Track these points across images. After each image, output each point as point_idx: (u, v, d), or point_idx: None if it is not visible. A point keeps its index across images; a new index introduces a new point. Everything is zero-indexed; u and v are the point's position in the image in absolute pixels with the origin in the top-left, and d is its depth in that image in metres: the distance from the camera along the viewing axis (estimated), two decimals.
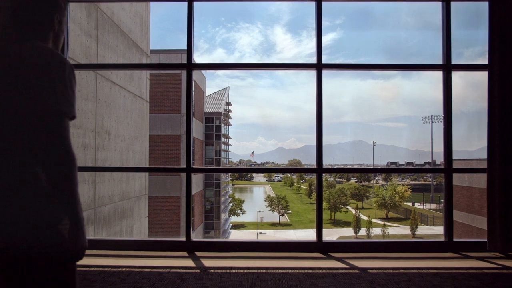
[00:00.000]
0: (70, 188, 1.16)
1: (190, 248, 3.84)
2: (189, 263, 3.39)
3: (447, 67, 4.03)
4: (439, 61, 4.10)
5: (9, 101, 1.11)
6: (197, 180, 26.03)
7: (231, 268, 3.21)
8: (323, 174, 4.03)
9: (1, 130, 1.12)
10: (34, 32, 1.25)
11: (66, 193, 1.16)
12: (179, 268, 3.19)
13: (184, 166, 3.92)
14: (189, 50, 3.94)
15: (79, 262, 1.25)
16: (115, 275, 3.00)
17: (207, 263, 3.38)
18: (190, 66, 3.96)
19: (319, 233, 3.90)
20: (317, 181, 3.97)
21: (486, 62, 3.82)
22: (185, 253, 3.71)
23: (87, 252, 3.92)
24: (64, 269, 1.20)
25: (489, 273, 3.15)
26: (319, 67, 3.98)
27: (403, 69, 4.40)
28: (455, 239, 3.94)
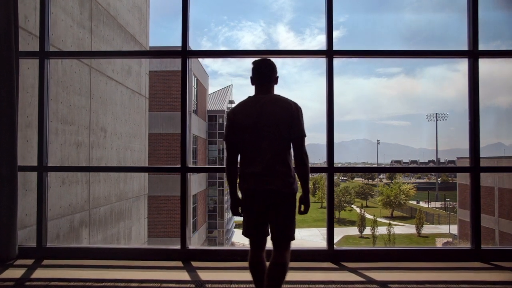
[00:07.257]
0: (305, 172, 2.16)
1: (186, 257, 3.43)
2: (184, 275, 2.98)
3: (473, 54, 3.59)
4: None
5: (281, 129, 2.11)
6: (201, 179, 25.59)
7: (231, 282, 2.79)
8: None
9: (279, 141, 2.12)
10: (270, 88, 2.23)
11: (304, 174, 2.17)
12: (172, 283, 2.79)
13: (179, 166, 3.52)
14: (184, 36, 3.52)
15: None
16: None
17: (204, 275, 2.97)
18: (186, 54, 3.54)
19: (330, 240, 3.48)
20: (328, 182, 3.54)
21: None
22: (180, 263, 3.31)
23: (69, 262, 3.41)
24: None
25: None
26: (329, 54, 3.54)
27: (422, 56, 3.93)
28: (483, 247, 3.51)
